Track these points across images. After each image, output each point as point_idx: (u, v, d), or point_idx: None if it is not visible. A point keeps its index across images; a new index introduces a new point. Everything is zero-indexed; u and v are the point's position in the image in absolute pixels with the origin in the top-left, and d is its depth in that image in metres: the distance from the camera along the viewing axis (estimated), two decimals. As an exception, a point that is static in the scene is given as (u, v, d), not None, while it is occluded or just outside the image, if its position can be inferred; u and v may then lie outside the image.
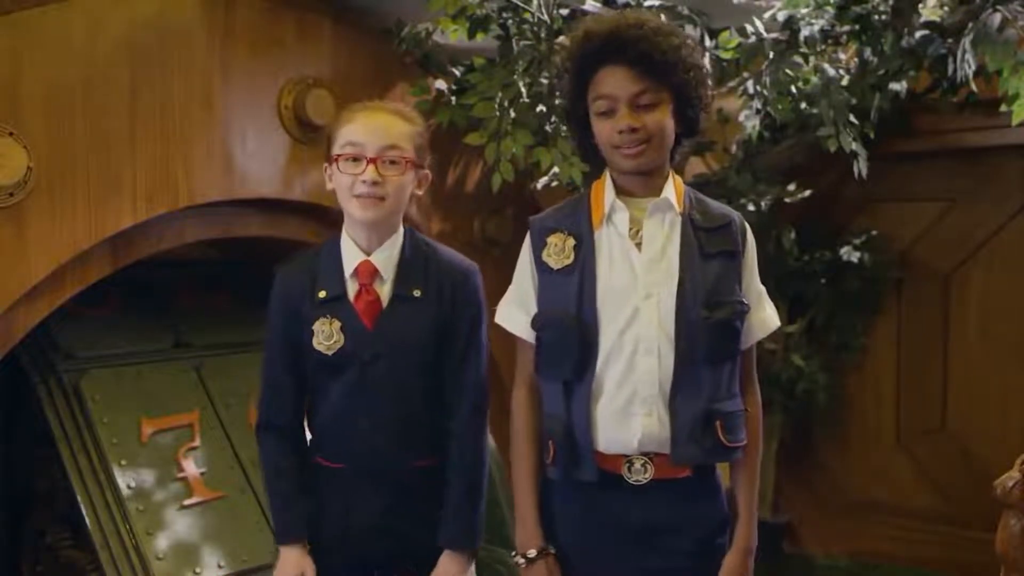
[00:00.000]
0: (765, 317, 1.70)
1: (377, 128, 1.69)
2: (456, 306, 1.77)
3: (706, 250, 1.60)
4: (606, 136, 1.58)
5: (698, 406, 1.57)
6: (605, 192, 1.63)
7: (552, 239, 1.64)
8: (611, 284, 1.59)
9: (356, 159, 1.67)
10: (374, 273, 1.74)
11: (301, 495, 1.77)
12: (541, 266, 1.65)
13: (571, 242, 1.63)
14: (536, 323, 1.66)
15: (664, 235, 1.60)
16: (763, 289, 1.71)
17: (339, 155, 1.69)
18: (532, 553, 1.65)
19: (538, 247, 1.66)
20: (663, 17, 2.55)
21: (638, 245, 1.60)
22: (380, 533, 1.75)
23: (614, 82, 1.55)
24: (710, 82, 1.63)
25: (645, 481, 1.59)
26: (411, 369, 1.74)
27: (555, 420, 1.64)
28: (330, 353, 1.71)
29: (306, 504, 1.77)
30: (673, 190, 1.62)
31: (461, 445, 1.78)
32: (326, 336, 1.71)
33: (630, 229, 1.61)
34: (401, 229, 1.78)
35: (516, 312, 1.70)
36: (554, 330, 1.63)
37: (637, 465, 1.59)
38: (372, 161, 1.67)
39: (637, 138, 1.55)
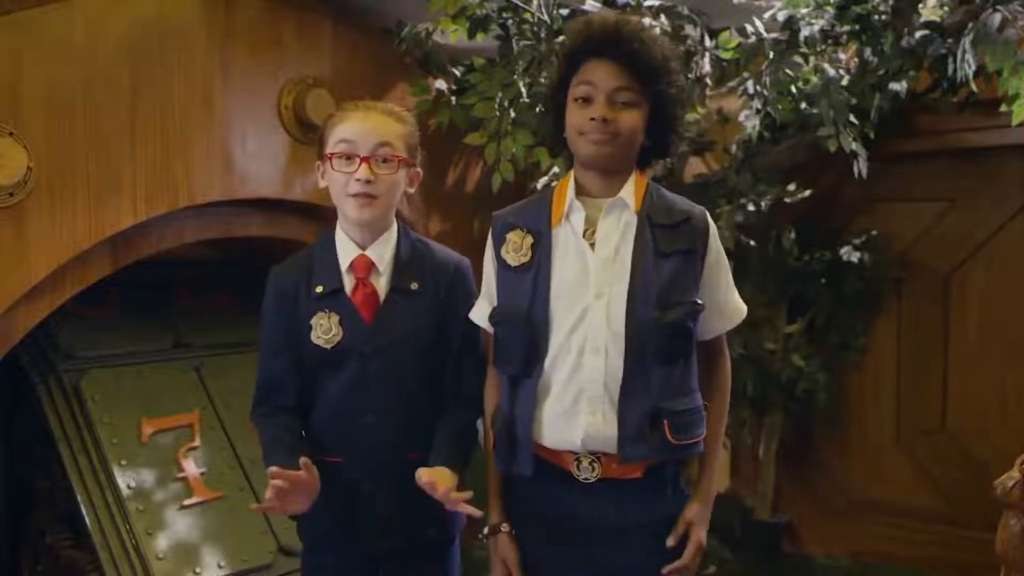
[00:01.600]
0: (736, 306, 1.71)
1: (370, 127, 1.71)
2: (451, 300, 1.80)
3: (661, 248, 1.60)
4: (577, 122, 1.59)
5: (646, 405, 1.57)
6: (567, 191, 1.64)
7: (511, 236, 1.67)
8: (564, 283, 1.60)
9: (349, 157, 1.69)
10: (370, 267, 1.76)
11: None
12: (500, 262, 1.67)
13: (529, 240, 1.64)
14: (492, 318, 1.69)
15: (619, 234, 1.61)
16: (730, 281, 1.71)
17: (332, 153, 1.71)
18: (485, 530, 1.74)
19: (498, 243, 1.68)
20: (663, 18, 2.57)
21: (593, 245, 1.61)
22: (382, 527, 1.76)
23: (599, 73, 1.57)
24: (684, 101, 1.66)
25: (593, 480, 1.60)
26: (410, 362, 1.75)
27: (499, 412, 1.68)
28: (329, 347, 1.72)
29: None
30: (632, 189, 1.62)
31: (453, 417, 1.79)
32: (324, 330, 1.72)
33: (586, 229, 1.62)
34: (395, 225, 1.81)
35: (482, 305, 1.75)
36: (505, 326, 1.65)
37: (585, 463, 1.60)
38: (365, 160, 1.69)
39: (607, 130, 1.56)
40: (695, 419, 1.63)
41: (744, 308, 1.73)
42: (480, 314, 1.76)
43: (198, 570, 2.58)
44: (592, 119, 1.56)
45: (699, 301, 1.61)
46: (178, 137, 2.34)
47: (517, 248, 1.65)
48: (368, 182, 1.68)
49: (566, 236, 1.63)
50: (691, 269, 1.61)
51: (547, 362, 1.60)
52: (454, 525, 1.85)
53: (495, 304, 1.70)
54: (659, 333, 1.56)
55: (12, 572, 2.86)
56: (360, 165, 1.68)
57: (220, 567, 2.62)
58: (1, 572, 2.88)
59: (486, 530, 1.74)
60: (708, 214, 1.67)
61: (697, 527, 1.66)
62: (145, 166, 2.28)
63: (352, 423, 1.74)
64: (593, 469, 1.60)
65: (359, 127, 1.70)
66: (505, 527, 1.71)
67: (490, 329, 1.72)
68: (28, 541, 2.81)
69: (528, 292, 1.61)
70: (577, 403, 1.58)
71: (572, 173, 1.67)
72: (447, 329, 1.80)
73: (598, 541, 1.62)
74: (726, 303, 1.68)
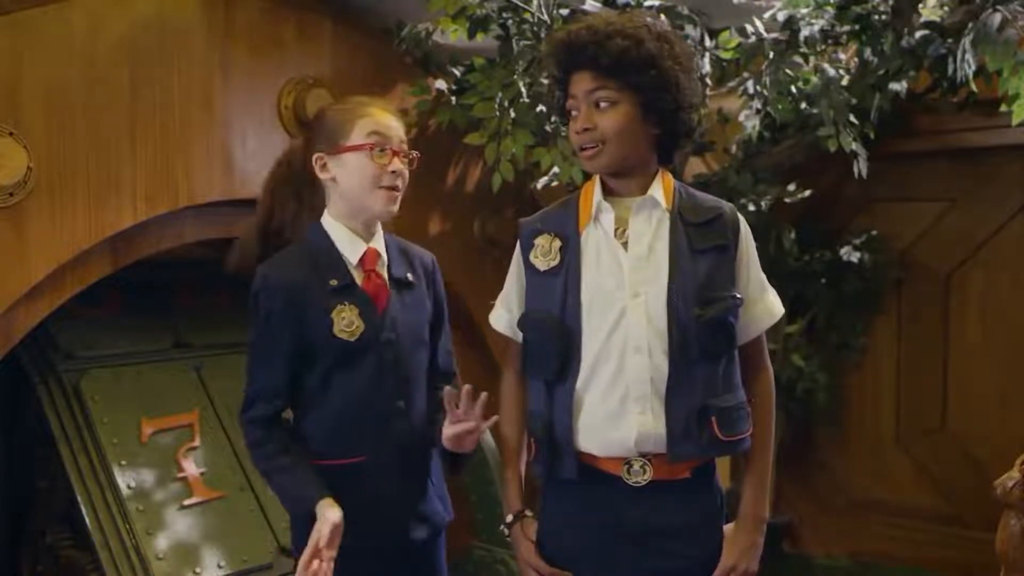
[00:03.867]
0: (769, 305, 1.69)
1: (394, 123, 1.76)
2: (434, 289, 1.86)
3: (696, 246, 1.59)
4: (572, 140, 1.63)
5: (693, 403, 1.57)
6: (593, 193, 1.65)
7: (539, 240, 1.66)
8: (598, 285, 1.60)
9: (383, 150, 1.71)
10: (378, 259, 1.78)
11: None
12: (529, 268, 1.67)
13: (557, 243, 1.64)
14: (521, 324, 1.69)
15: (651, 232, 1.60)
16: (763, 277, 1.69)
17: (366, 144, 1.70)
18: (509, 518, 1.72)
19: (526, 249, 1.68)
20: (663, 18, 2.56)
21: (625, 244, 1.61)
22: (413, 518, 1.77)
23: (578, 84, 1.59)
24: (682, 77, 1.59)
25: (644, 483, 1.59)
26: (417, 348, 1.79)
27: (537, 418, 1.66)
28: (353, 339, 1.70)
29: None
30: (661, 187, 1.62)
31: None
32: (347, 323, 1.71)
33: (616, 229, 1.62)
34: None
35: (500, 311, 1.77)
36: (536, 331, 1.65)
37: (636, 466, 1.59)
38: (396, 153, 1.72)
39: (591, 138, 1.57)
40: (741, 415, 1.63)
41: (777, 310, 1.70)
42: (499, 320, 1.77)
43: (198, 570, 2.58)
44: (577, 132, 1.59)
45: (738, 295, 1.60)
46: (178, 137, 2.34)
47: (546, 252, 1.65)
48: (400, 175, 1.73)
49: (597, 238, 1.62)
50: (726, 264, 1.61)
51: (586, 367, 1.59)
52: (448, 512, 1.87)
53: (515, 310, 1.71)
54: (701, 331, 1.56)
55: (12, 572, 2.86)
56: (393, 158, 1.71)
57: (220, 567, 2.62)
58: (1, 572, 2.88)
59: (509, 518, 1.72)
60: (737, 211, 1.67)
61: (745, 561, 1.64)
62: (145, 166, 2.28)
63: (375, 417, 1.73)
64: (644, 472, 1.58)
65: (388, 121, 1.74)
66: (529, 513, 1.71)
67: (509, 333, 1.74)
68: (28, 541, 2.81)
69: (559, 296, 1.61)
70: (624, 404, 1.57)
71: (597, 176, 1.67)
72: (434, 317, 1.85)
73: (640, 544, 1.61)
74: (754, 302, 1.66)
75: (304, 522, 1.70)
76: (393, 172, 1.71)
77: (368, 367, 1.73)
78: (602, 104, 1.57)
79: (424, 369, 1.82)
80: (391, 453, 1.74)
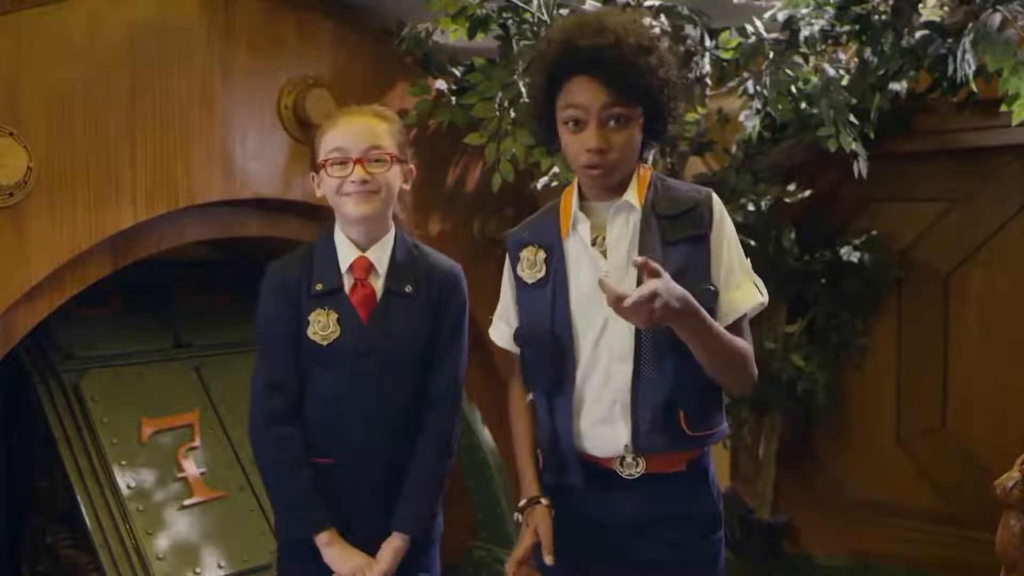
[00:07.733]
0: (749, 290, 1.61)
1: (358, 131, 1.75)
2: (443, 304, 1.82)
3: (668, 238, 1.56)
4: (573, 152, 1.56)
5: (660, 397, 1.56)
6: (572, 200, 1.63)
7: (524, 253, 1.65)
8: (582, 295, 1.59)
9: (342, 163, 1.73)
10: (370, 268, 1.78)
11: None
12: (518, 281, 1.67)
13: (542, 255, 1.63)
14: (517, 338, 1.69)
15: (628, 239, 1.58)
16: (747, 263, 1.63)
17: (326, 160, 1.74)
18: (522, 502, 1.66)
19: (514, 261, 1.68)
20: (663, 18, 2.56)
21: (604, 252, 1.59)
22: (374, 530, 1.76)
23: (587, 93, 1.51)
24: (674, 78, 1.57)
25: (637, 475, 1.59)
26: (403, 363, 1.77)
27: (542, 429, 1.67)
28: (325, 344, 1.74)
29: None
30: (635, 187, 1.59)
31: (431, 437, 1.80)
32: (322, 327, 1.74)
33: (595, 237, 1.60)
34: (393, 228, 1.83)
35: (501, 326, 1.75)
36: (531, 345, 1.65)
37: (629, 459, 1.60)
38: (358, 162, 1.72)
39: (604, 160, 1.52)
40: (712, 410, 1.62)
41: (758, 296, 1.60)
42: (499, 334, 1.76)
43: (198, 570, 2.58)
44: (588, 150, 1.52)
45: (711, 287, 1.56)
46: (178, 137, 2.34)
47: (531, 264, 1.64)
48: (364, 182, 1.72)
49: (577, 247, 1.61)
50: (701, 255, 1.57)
51: (579, 374, 1.60)
52: (436, 527, 1.85)
53: (513, 323, 1.70)
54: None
55: (12, 572, 2.86)
56: (354, 167, 1.72)
57: (220, 567, 2.62)
58: (1, 572, 2.88)
59: (522, 502, 1.66)
60: (715, 196, 1.61)
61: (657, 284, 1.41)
62: (145, 166, 2.28)
63: (343, 421, 1.75)
64: (637, 464, 1.59)
65: (349, 133, 1.74)
66: (544, 500, 1.64)
67: (512, 349, 1.72)
68: (28, 541, 2.81)
69: (547, 308, 1.61)
70: (613, 410, 1.58)
71: (576, 179, 1.65)
72: (436, 334, 1.81)
73: (636, 536, 1.61)
74: (735, 286, 1.59)
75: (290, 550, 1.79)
76: (353, 181, 1.72)
77: (340, 374, 1.75)
78: (615, 121, 1.51)
79: (412, 385, 1.78)
80: (354, 463, 1.74)
